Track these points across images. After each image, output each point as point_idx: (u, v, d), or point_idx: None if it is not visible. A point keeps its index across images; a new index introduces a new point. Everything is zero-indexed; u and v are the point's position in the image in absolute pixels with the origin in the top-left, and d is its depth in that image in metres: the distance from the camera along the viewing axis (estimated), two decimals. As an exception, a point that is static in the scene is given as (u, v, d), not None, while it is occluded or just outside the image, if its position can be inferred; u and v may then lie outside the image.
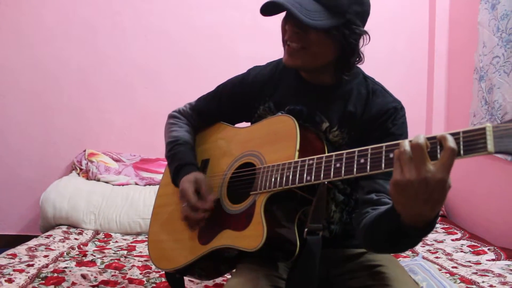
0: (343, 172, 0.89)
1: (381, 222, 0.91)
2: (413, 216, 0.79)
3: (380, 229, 0.91)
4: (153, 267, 1.78)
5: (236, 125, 1.32)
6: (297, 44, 1.06)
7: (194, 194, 1.14)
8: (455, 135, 0.73)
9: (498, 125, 0.69)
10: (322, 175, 0.93)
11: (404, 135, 1.10)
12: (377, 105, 1.11)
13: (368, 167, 0.84)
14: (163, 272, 1.58)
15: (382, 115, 1.10)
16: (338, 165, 0.90)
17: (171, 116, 1.41)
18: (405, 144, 0.75)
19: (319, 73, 1.14)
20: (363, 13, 1.07)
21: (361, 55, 1.11)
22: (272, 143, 1.10)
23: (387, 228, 0.88)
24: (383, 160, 0.82)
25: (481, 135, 0.70)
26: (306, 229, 1.00)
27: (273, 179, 1.02)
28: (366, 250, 1.15)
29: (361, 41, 1.08)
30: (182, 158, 1.27)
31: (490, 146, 0.69)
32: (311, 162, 0.96)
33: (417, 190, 0.74)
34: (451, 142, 0.72)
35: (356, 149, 0.88)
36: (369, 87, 1.15)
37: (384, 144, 0.83)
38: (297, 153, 1.02)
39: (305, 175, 0.96)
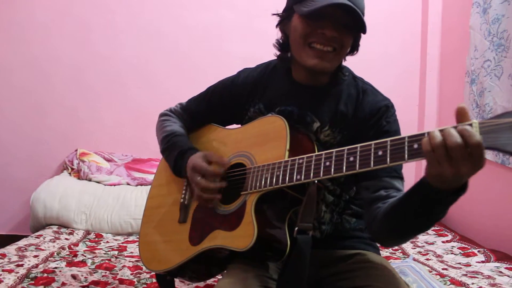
0: (332, 170, 0.89)
1: (412, 198, 0.88)
2: (451, 185, 0.79)
3: (411, 205, 0.89)
4: (144, 267, 1.77)
5: (227, 127, 1.32)
6: (331, 47, 1.07)
7: (208, 167, 1.12)
8: (443, 131, 0.74)
9: (484, 121, 0.70)
10: (312, 174, 0.93)
11: (399, 132, 1.12)
12: (368, 104, 1.13)
13: (357, 165, 0.85)
14: (154, 273, 1.58)
15: (375, 114, 1.11)
16: (327, 163, 0.91)
17: (162, 115, 1.40)
18: (457, 137, 0.72)
19: (322, 75, 1.16)
20: None
21: None
22: (263, 143, 1.10)
23: (421, 200, 0.86)
24: (372, 158, 0.83)
25: None
26: (296, 228, 1.00)
27: (263, 179, 1.02)
28: (380, 243, 1.17)
29: None
30: (183, 145, 1.25)
31: None
32: (301, 161, 0.96)
33: (462, 175, 0.75)
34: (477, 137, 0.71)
35: (346, 148, 0.88)
36: (358, 86, 1.17)
37: (373, 142, 0.84)
38: (287, 153, 1.02)
39: (295, 174, 0.96)
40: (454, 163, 0.73)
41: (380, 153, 0.81)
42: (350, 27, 1.07)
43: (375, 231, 1.03)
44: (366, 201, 1.06)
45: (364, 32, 1.07)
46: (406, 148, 0.79)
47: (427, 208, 0.86)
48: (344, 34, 1.07)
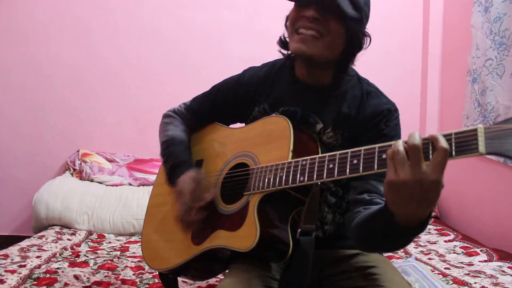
0: (336, 172, 0.89)
1: (374, 221, 0.91)
2: (407, 215, 0.79)
3: (374, 227, 0.92)
4: (146, 267, 1.77)
5: (231, 126, 1.32)
6: (313, 31, 1.05)
7: (191, 194, 1.14)
8: (447, 136, 0.74)
9: (489, 127, 0.70)
10: (315, 176, 0.93)
11: (397, 137, 1.10)
12: (371, 106, 1.12)
13: (361, 168, 0.85)
14: (157, 273, 1.58)
15: (376, 116, 1.10)
16: (331, 165, 0.91)
17: (166, 116, 1.40)
18: (399, 144, 0.76)
19: (320, 71, 1.14)
20: (368, 18, 1.11)
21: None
22: (266, 143, 1.10)
23: (380, 227, 0.88)
24: (376, 161, 0.82)
25: (472, 136, 0.71)
26: (299, 230, 1.00)
27: (266, 180, 1.02)
28: (360, 251, 1.15)
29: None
30: (177, 156, 1.26)
31: (482, 147, 0.70)
32: (304, 162, 0.96)
33: (412, 190, 0.74)
34: (443, 143, 0.72)
35: (349, 150, 0.88)
36: (363, 88, 1.15)
37: (377, 145, 0.83)
38: (290, 154, 1.02)
39: (298, 175, 0.96)
40: (408, 168, 0.74)
41: (383, 156, 0.81)
42: (334, 11, 1.03)
43: (351, 235, 1.04)
44: (351, 200, 1.07)
45: (348, 19, 1.04)
46: None
47: (388, 234, 0.87)
48: (327, 17, 1.04)
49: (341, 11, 1.02)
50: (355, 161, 0.86)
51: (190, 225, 1.16)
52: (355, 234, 1.00)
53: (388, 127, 1.09)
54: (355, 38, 1.08)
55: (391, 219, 0.82)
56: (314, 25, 1.05)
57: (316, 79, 1.16)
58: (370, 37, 1.11)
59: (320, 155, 0.95)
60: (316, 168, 0.93)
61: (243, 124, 1.27)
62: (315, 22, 1.05)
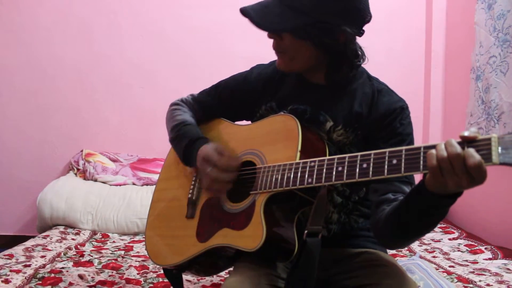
0: (345, 176, 0.89)
1: (408, 201, 0.91)
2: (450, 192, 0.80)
3: (408, 208, 0.91)
4: (151, 267, 1.77)
5: (236, 123, 1.30)
6: (276, 50, 1.12)
7: (220, 155, 1.11)
8: (460, 144, 0.74)
9: (503, 136, 0.69)
10: (323, 178, 0.93)
11: (411, 136, 1.10)
12: (384, 104, 1.11)
13: (371, 172, 0.84)
14: (161, 272, 1.58)
15: (389, 114, 1.10)
16: (340, 168, 0.90)
17: (173, 104, 1.37)
18: (443, 153, 0.74)
19: (313, 72, 1.15)
20: (345, 10, 1.03)
21: (361, 54, 1.13)
22: (273, 142, 1.10)
23: (415, 205, 0.88)
24: (386, 166, 0.82)
25: (486, 145, 0.70)
26: (306, 231, 1.00)
27: (273, 180, 1.02)
28: (379, 245, 1.16)
29: (344, 38, 1.06)
30: (194, 134, 1.23)
31: (495, 157, 0.69)
32: (312, 164, 0.96)
33: (461, 187, 0.76)
34: (476, 157, 0.71)
35: (359, 154, 0.88)
36: (373, 86, 1.15)
37: (387, 150, 0.83)
38: (298, 154, 1.01)
39: (306, 177, 0.96)
40: (456, 175, 0.74)
41: (394, 161, 0.81)
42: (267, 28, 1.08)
43: (379, 232, 1.03)
44: (374, 203, 1.06)
45: (271, 31, 1.09)
46: (421, 158, 0.78)
47: (426, 209, 0.86)
48: (279, 35, 1.09)
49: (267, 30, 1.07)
50: (364, 165, 0.85)
51: (223, 188, 1.12)
52: (387, 224, 0.98)
53: (402, 126, 1.09)
54: (317, 41, 1.05)
55: (427, 192, 0.82)
56: (275, 45, 1.12)
57: (315, 79, 1.16)
58: (347, 30, 1.03)
59: (329, 157, 0.94)
60: (324, 170, 0.93)
61: (249, 122, 1.27)
62: (275, 43, 1.11)
